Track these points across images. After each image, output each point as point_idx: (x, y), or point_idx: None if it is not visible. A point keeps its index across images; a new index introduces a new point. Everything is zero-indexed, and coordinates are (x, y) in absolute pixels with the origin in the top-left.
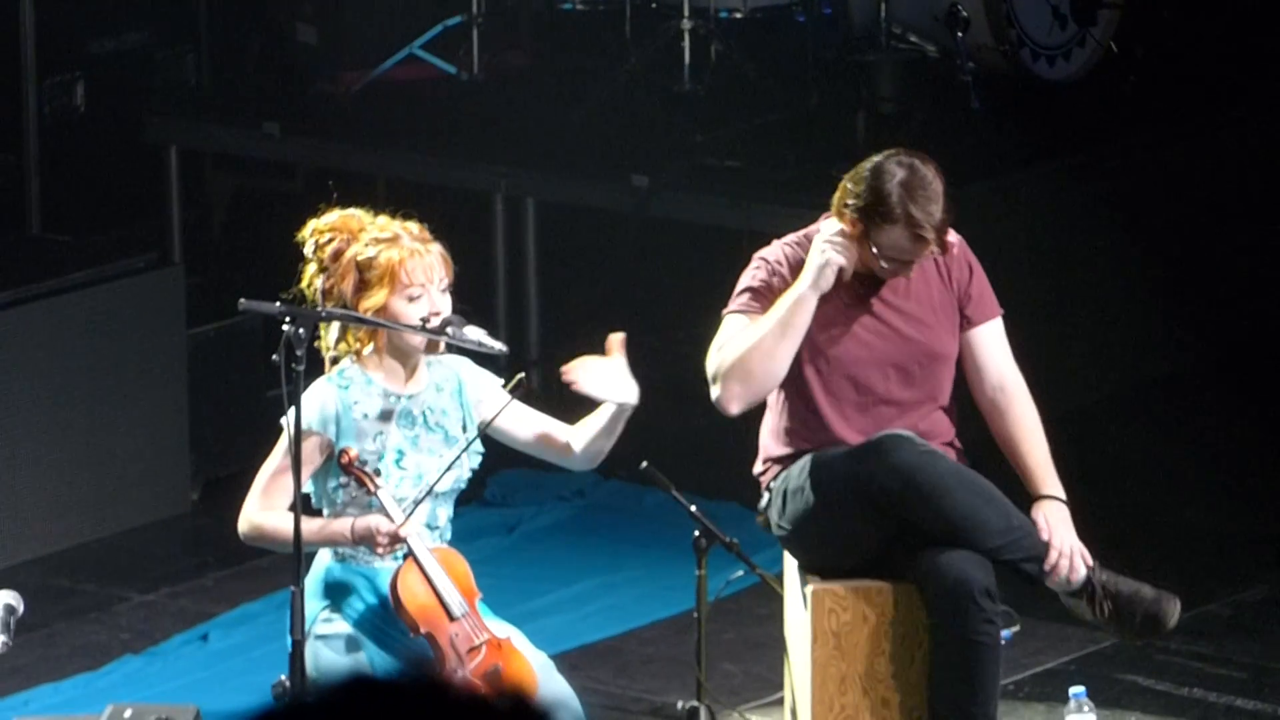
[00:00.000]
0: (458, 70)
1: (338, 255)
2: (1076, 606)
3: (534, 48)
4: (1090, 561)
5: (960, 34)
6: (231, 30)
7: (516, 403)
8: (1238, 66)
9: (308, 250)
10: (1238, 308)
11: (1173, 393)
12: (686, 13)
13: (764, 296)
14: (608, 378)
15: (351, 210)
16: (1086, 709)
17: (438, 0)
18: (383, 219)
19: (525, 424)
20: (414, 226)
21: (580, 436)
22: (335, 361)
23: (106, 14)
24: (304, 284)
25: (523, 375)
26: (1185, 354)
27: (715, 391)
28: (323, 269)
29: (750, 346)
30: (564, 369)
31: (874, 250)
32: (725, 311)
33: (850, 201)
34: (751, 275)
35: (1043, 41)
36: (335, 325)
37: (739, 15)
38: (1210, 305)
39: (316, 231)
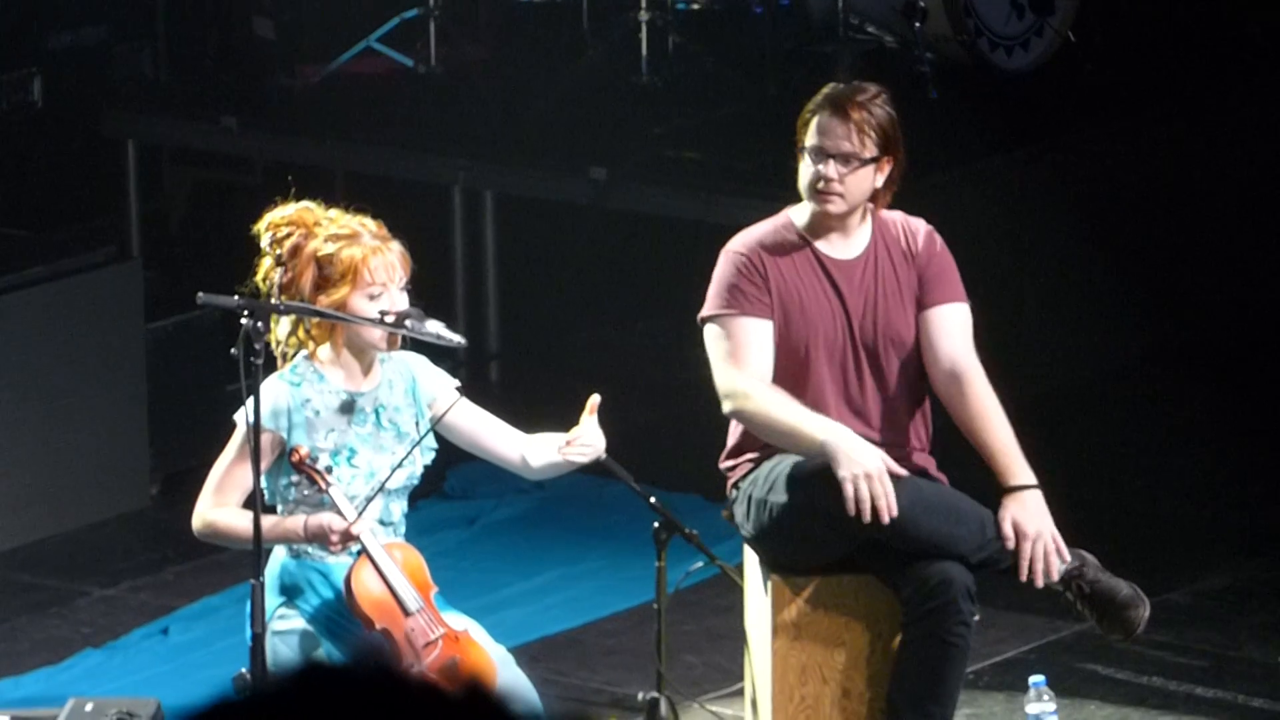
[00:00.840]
0: (415, 63)
1: (296, 250)
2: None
3: (492, 40)
4: (1067, 557)
5: (918, 24)
6: (189, 24)
7: (469, 404)
8: (1195, 55)
9: (264, 243)
10: (1198, 295)
11: (1133, 380)
12: (644, 5)
13: (741, 296)
14: (591, 440)
15: (307, 204)
16: (1046, 698)
17: None
18: (338, 214)
19: (477, 426)
20: (371, 223)
21: (537, 455)
22: (285, 357)
23: (63, 8)
24: (259, 277)
25: (459, 385)
26: (1145, 342)
27: (727, 408)
28: (280, 263)
29: (770, 424)
30: (561, 451)
31: (801, 162)
32: (706, 314)
33: (797, 134)
34: (725, 273)
35: (1001, 31)
36: (285, 320)
37: (696, 7)
38: (1170, 293)
39: (273, 225)
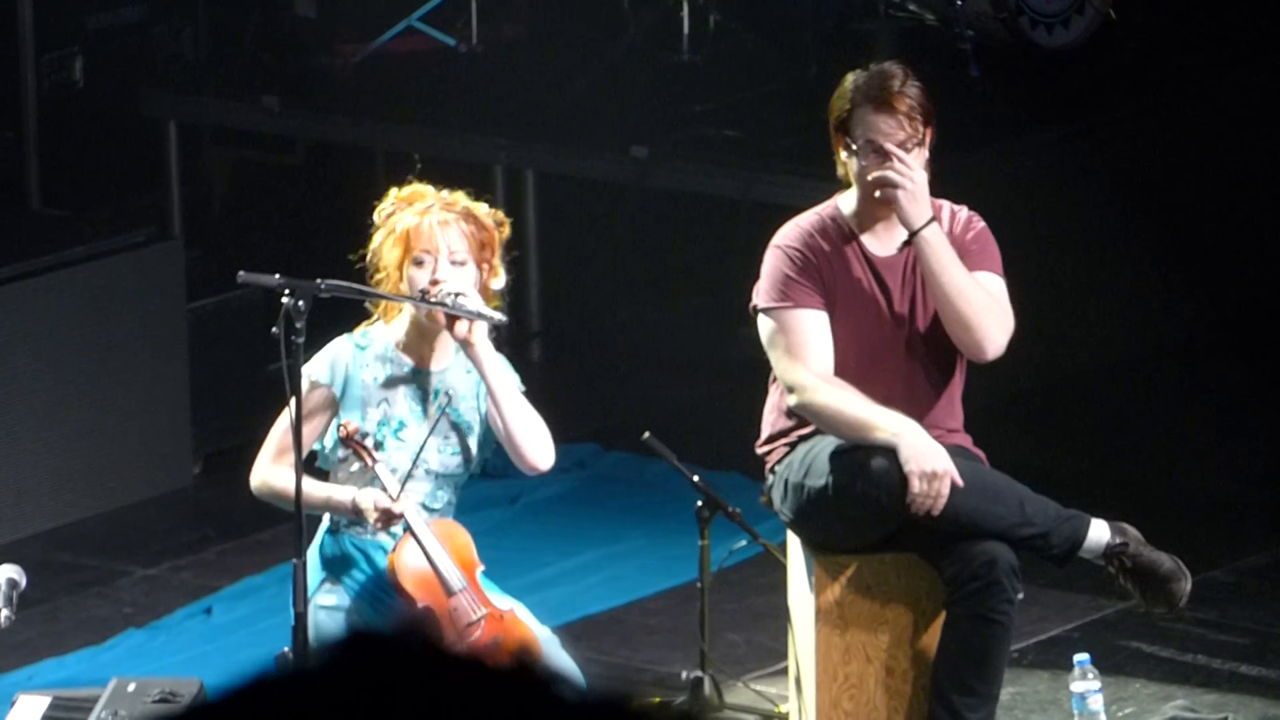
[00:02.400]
0: (456, 42)
1: (389, 219)
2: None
3: (533, 19)
4: (959, 480)
5: (959, 2)
6: (229, 3)
7: (487, 447)
8: (1237, 32)
9: (376, 214)
10: (1241, 274)
11: (1175, 359)
12: None
13: (796, 287)
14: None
15: (429, 187)
16: (1090, 676)
17: None
18: (451, 195)
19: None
20: (462, 201)
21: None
22: (371, 322)
23: None
24: (369, 247)
25: (522, 389)
26: (1188, 320)
27: (793, 402)
28: (377, 231)
29: (840, 419)
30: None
31: (859, 161)
32: (761, 305)
33: (832, 125)
34: (776, 266)
35: (1041, 9)
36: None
37: None
38: (1213, 272)
39: (387, 200)
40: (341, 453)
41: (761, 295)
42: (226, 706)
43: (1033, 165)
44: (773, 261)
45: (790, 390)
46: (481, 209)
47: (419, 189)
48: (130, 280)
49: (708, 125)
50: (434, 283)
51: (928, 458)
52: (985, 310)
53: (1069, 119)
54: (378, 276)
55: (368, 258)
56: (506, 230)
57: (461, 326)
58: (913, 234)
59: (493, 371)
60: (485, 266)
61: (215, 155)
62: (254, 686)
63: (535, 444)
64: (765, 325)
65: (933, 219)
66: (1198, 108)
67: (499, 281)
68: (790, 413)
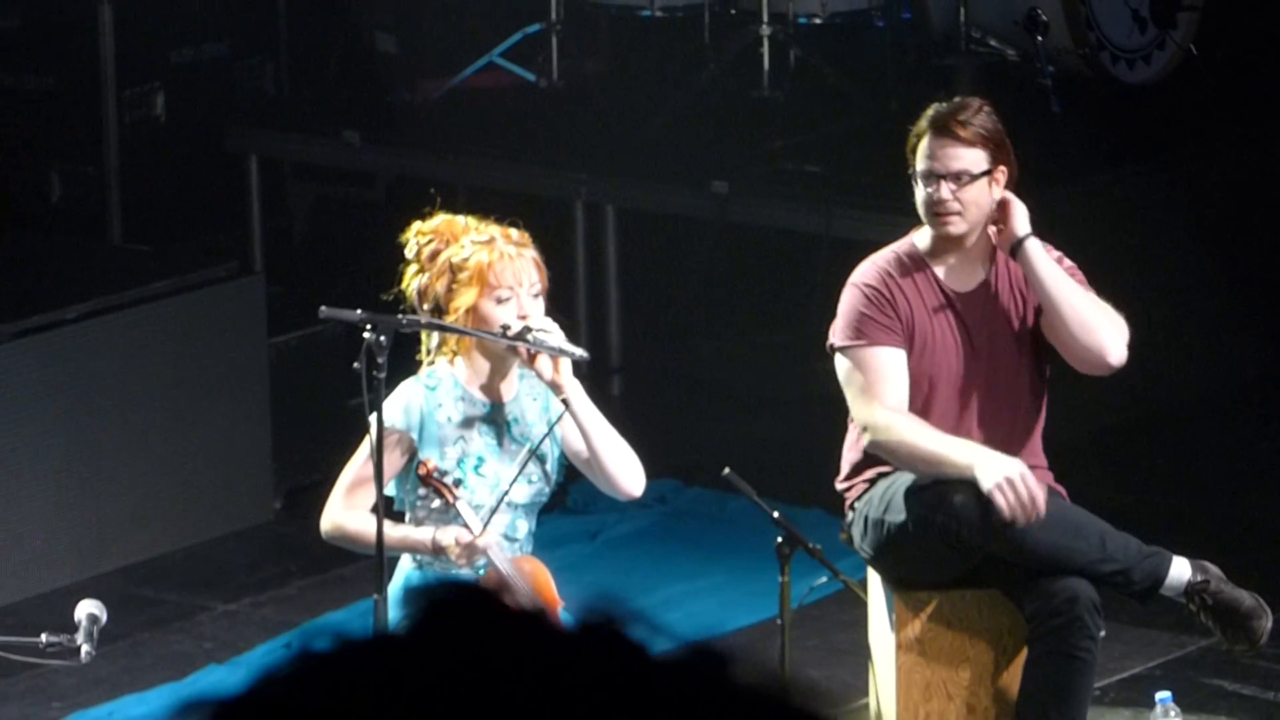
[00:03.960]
0: (537, 77)
1: (434, 256)
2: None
3: (613, 54)
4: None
5: (1040, 37)
6: (311, 39)
7: (559, 471)
8: None
9: (409, 251)
10: None
11: (1260, 395)
12: (765, 18)
13: (873, 325)
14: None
15: (457, 216)
16: (1173, 714)
17: (516, 7)
18: (482, 223)
19: (582, 443)
20: (513, 232)
21: (599, 473)
22: (432, 362)
23: (186, 24)
24: (404, 284)
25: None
26: (1270, 355)
27: (867, 442)
28: (421, 270)
29: (914, 454)
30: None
31: (916, 188)
32: (837, 344)
33: (909, 157)
34: (854, 304)
35: (1122, 44)
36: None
37: (818, 20)
38: None
39: (419, 233)
40: (422, 491)
41: (838, 334)
42: (314, 668)
43: (1114, 201)
44: (849, 300)
45: (864, 429)
46: (516, 234)
47: (448, 220)
48: (212, 315)
49: (788, 160)
50: (523, 317)
51: (1002, 468)
52: (1103, 315)
53: (1150, 154)
54: (448, 318)
55: (410, 294)
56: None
57: (545, 366)
58: (1017, 244)
59: (580, 405)
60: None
61: (297, 190)
62: (343, 651)
63: (627, 470)
64: (842, 364)
65: (1029, 234)
66: (1278, 142)
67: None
68: (871, 452)
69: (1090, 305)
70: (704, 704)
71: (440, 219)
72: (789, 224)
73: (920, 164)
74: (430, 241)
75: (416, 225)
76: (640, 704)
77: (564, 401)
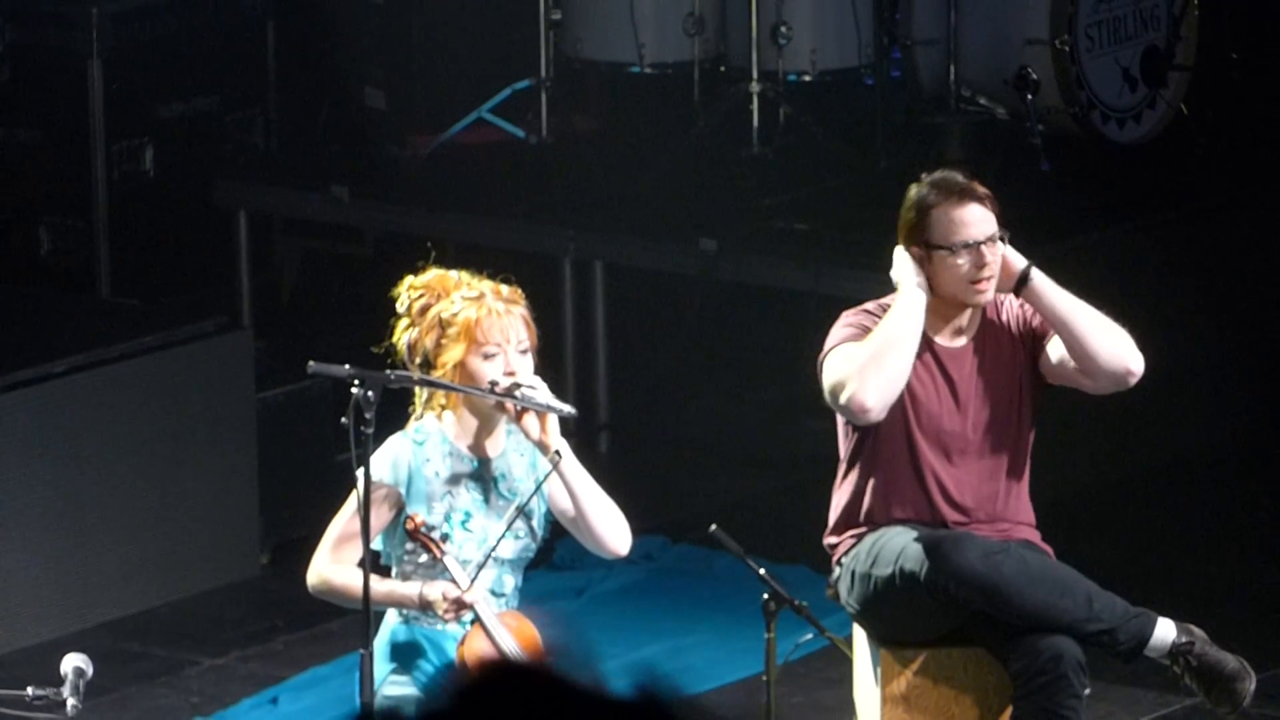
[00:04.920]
0: (526, 134)
1: (424, 310)
2: (1164, 664)
3: (602, 111)
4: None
5: (1030, 96)
6: (300, 94)
7: (545, 527)
8: None
9: (400, 305)
10: None
11: (1248, 455)
12: (755, 76)
13: (858, 334)
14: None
15: (450, 271)
16: None
17: (506, 64)
18: (475, 279)
19: (567, 500)
20: (504, 288)
21: (586, 533)
22: (419, 417)
23: (176, 79)
24: (395, 338)
25: (557, 450)
26: (1257, 415)
27: (845, 396)
28: (411, 324)
29: (878, 342)
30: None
31: (950, 261)
32: (827, 348)
33: (905, 232)
34: (841, 328)
35: (1113, 104)
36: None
37: (807, 78)
38: None
39: (411, 287)
40: (409, 545)
41: (827, 344)
42: None
43: (1103, 260)
44: (837, 326)
45: (836, 389)
46: (507, 290)
47: (438, 275)
48: (199, 370)
49: (777, 218)
50: (510, 374)
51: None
52: (1115, 326)
53: (1140, 214)
54: (436, 373)
55: (401, 352)
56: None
57: (533, 425)
58: (1021, 277)
59: (568, 463)
60: (534, 345)
61: (285, 245)
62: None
63: (614, 529)
64: (830, 361)
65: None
66: (1268, 203)
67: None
68: (858, 508)
69: (1103, 318)
70: None
71: (432, 274)
72: (777, 281)
73: (951, 235)
74: (421, 296)
75: (409, 280)
76: None
77: (552, 460)
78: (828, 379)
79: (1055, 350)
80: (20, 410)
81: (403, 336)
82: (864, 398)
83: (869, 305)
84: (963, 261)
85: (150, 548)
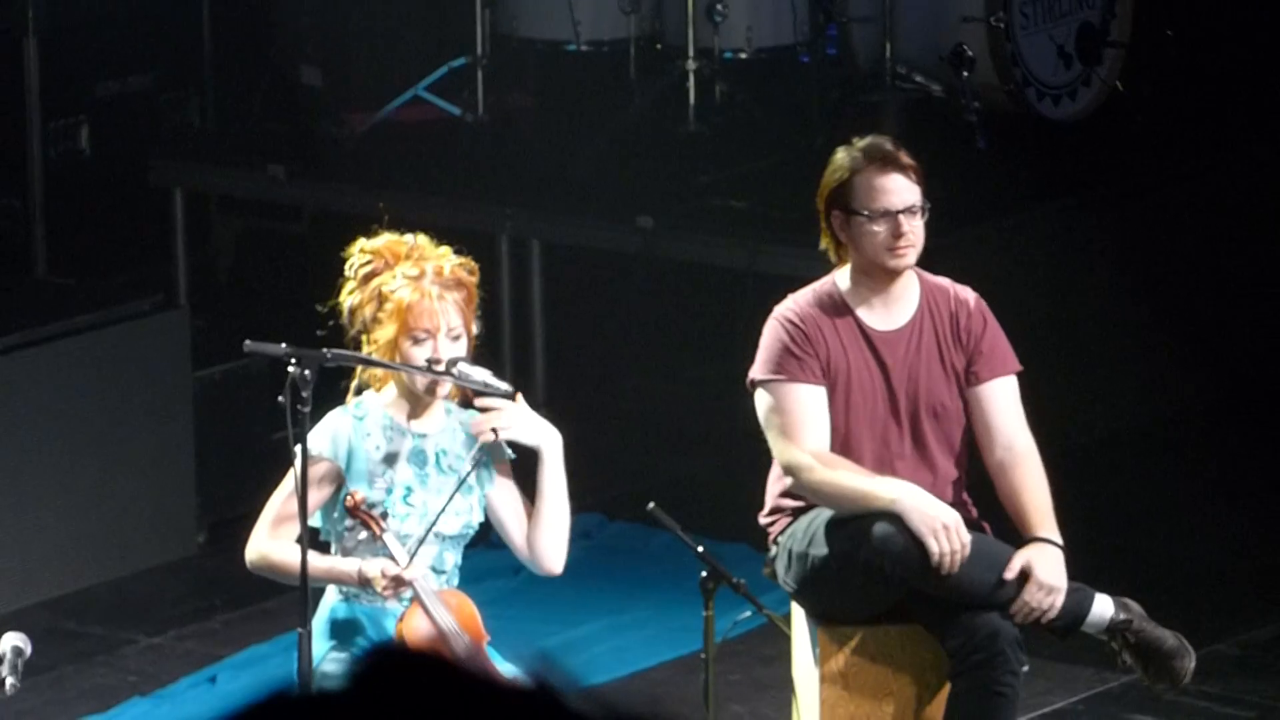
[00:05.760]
0: (462, 111)
1: (369, 278)
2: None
3: (539, 88)
4: (1054, 611)
5: (965, 73)
6: (236, 72)
7: (506, 481)
8: (1243, 104)
9: (348, 267)
10: (1243, 346)
11: (1178, 431)
12: (691, 54)
13: (793, 362)
14: (525, 421)
15: (405, 237)
16: None
17: (442, 42)
18: (430, 250)
19: (502, 502)
20: (448, 266)
21: (530, 538)
22: (359, 391)
23: (111, 57)
24: (341, 299)
25: (495, 427)
26: (1190, 392)
27: (790, 484)
28: (356, 289)
29: (838, 494)
30: (473, 423)
31: (867, 227)
32: (757, 378)
33: (825, 194)
34: (775, 339)
35: (1048, 81)
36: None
37: (744, 56)
38: (1215, 344)
39: (362, 250)
40: (349, 522)
41: (759, 368)
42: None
43: (1039, 237)
44: (770, 335)
45: (786, 471)
46: (454, 262)
47: (390, 241)
48: (136, 348)
49: (714, 196)
50: (435, 361)
51: (933, 514)
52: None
53: (1075, 191)
54: (368, 349)
55: (343, 313)
56: (477, 276)
57: (485, 428)
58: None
59: (551, 457)
60: (470, 326)
61: (222, 224)
62: (272, 702)
63: (560, 544)
64: (762, 400)
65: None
66: (1204, 180)
67: (476, 328)
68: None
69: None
70: None
71: (385, 239)
72: (714, 259)
73: (869, 202)
74: (369, 262)
75: (361, 242)
76: None
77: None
78: (777, 451)
79: (982, 412)
80: None
81: (346, 300)
82: (804, 494)
83: (802, 297)
84: (879, 229)
85: (87, 526)
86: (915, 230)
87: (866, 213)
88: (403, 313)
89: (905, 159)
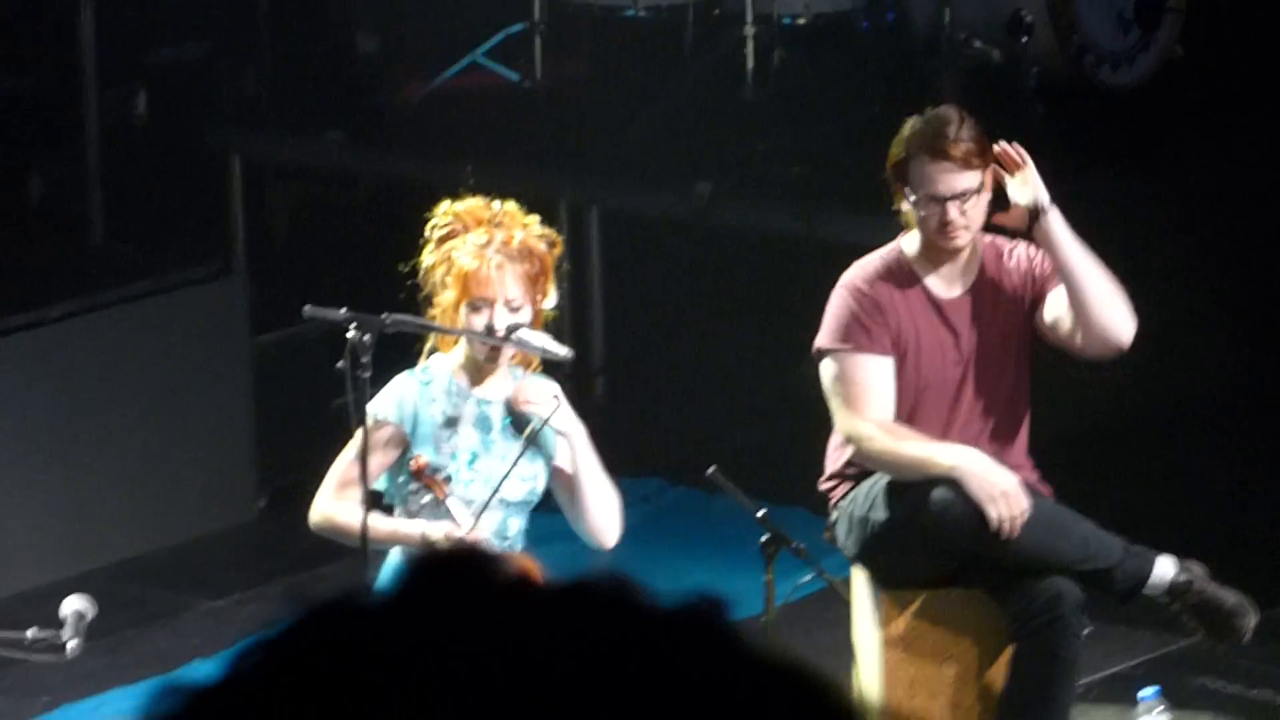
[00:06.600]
0: (520, 77)
1: (444, 240)
2: (1163, 602)
3: (596, 54)
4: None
5: (1024, 39)
6: (292, 39)
7: (579, 448)
8: None
9: (428, 228)
10: None
11: (1238, 398)
12: (749, 19)
13: (861, 332)
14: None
15: (491, 204)
16: (1158, 710)
17: (500, 7)
18: (512, 217)
19: (561, 467)
20: (518, 236)
21: (576, 520)
22: (430, 354)
23: (167, 24)
24: (420, 257)
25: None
26: (1251, 360)
27: (852, 453)
28: (433, 250)
29: (899, 461)
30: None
31: (919, 209)
32: (823, 347)
33: (891, 165)
34: (843, 308)
35: (1107, 47)
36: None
37: (802, 21)
38: (1275, 315)
39: (445, 213)
40: (413, 486)
41: (825, 337)
42: (287, 645)
43: (1097, 205)
44: (838, 303)
45: (848, 440)
46: (535, 232)
47: (473, 205)
48: (194, 315)
49: (771, 163)
50: (489, 329)
51: (993, 480)
52: (1119, 292)
53: (1134, 158)
54: (432, 311)
55: (420, 273)
56: (560, 249)
57: (539, 406)
58: (1038, 212)
59: (580, 443)
60: (540, 298)
61: (279, 191)
62: (319, 616)
63: (607, 520)
64: (827, 369)
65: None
66: (1265, 146)
67: (551, 301)
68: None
69: (1110, 280)
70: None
71: (469, 202)
72: (772, 227)
73: (919, 188)
74: (449, 225)
75: (446, 203)
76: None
77: (564, 436)
78: (839, 420)
79: (1054, 306)
80: (15, 356)
81: (425, 259)
82: (865, 463)
83: (870, 265)
84: (926, 214)
85: (147, 492)
86: (967, 214)
87: (917, 197)
88: (463, 279)
89: (960, 144)
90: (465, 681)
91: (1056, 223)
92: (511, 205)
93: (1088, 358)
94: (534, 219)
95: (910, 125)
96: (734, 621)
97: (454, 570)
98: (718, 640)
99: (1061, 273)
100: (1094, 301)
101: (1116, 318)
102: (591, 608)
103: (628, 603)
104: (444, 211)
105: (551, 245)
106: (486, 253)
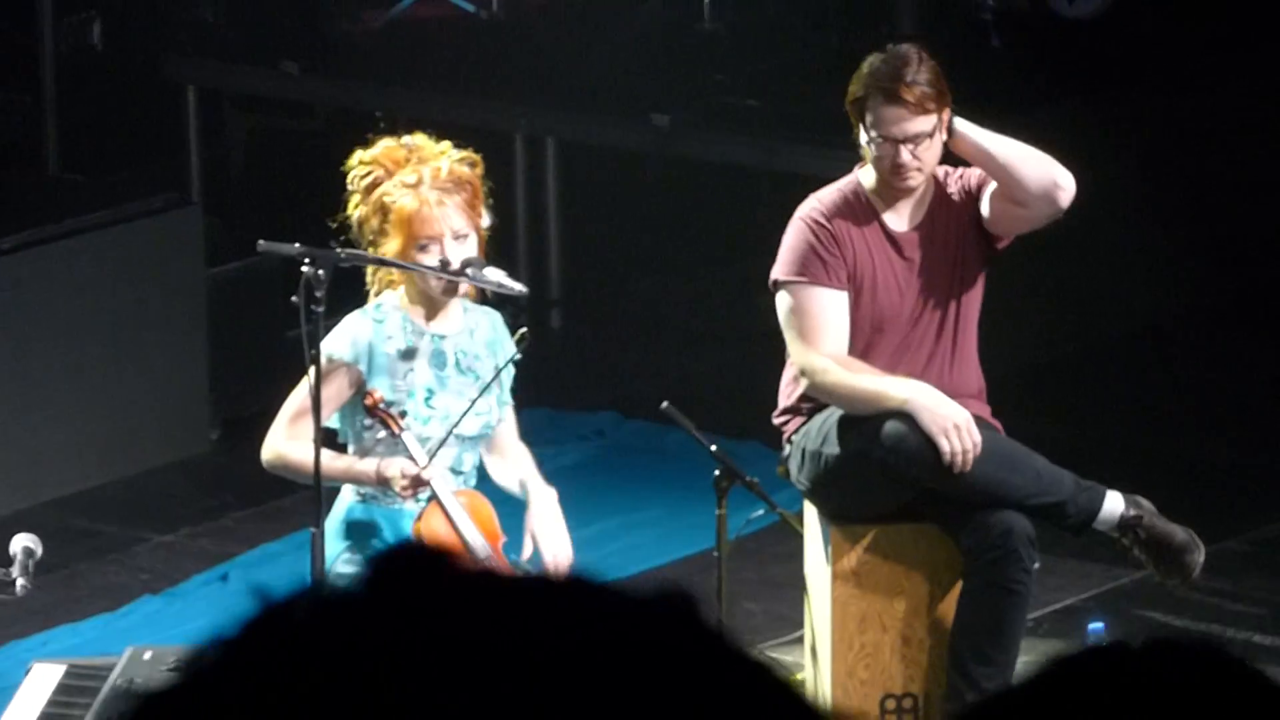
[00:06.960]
0: (478, 8)
1: (371, 188)
2: (1113, 536)
3: None
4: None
5: None
6: None
7: (503, 406)
8: (1264, 4)
9: (350, 180)
10: (1257, 247)
11: (1190, 329)
12: None
13: (817, 264)
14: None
15: (403, 140)
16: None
17: None
18: (429, 149)
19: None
20: (445, 167)
21: (499, 472)
22: (378, 293)
23: None
24: (349, 212)
25: (525, 330)
26: (1202, 292)
27: (804, 385)
28: (361, 201)
29: (852, 395)
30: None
31: (873, 149)
32: (779, 279)
33: (850, 102)
34: (799, 240)
35: None
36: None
37: None
38: (1234, 241)
39: (360, 163)
40: (367, 422)
41: (781, 269)
42: (257, 633)
43: (1053, 135)
44: (794, 235)
45: (802, 373)
46: (456, 157)
47: (387, 147)
48: (149, 246)
49: (729, 94)
50: (444, 264)
51: (945, 414)
52: (1038, 153)
53: (1090, 89)
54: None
55: (353, 228)
56: (480, 167)
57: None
58: (950, 133)
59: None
60: (478, 220)
61: (235, 121)
62: (285, 608)
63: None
64: (783, 301)
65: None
66: (1220, 78)
67: (486, 220)
68: None
69: (1025, 146)
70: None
71: (381, 146)
72: (730, 158)
73: (872, 129)
74: (369, 172)
75: (358, 154)
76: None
77: (519, 341)
78: (794, 351)
79: (990, 197)
80: None
81: (354, 213)
82: (818, 396)
83: (827, 197)
84: (880, 154)
85: (99, 424)
86: (920, 156)
87: (870, 136)
88: (405, 223)
89: (915, 88)
90: (430, 676)
91: (962, 124)
92: (420, 137)
93: (1045, 221)
94: (447, 145)
95: (869, 63)
96: (701, 612)
97: (417, 564)
98: (685, 632)
99: (982, 162)
100: (1020, 169)
101: (1049, 171)
102: (558, 600)
103: (594, 595)
104: (360, 160)
105: (473, 166)
106: (422, 191)
